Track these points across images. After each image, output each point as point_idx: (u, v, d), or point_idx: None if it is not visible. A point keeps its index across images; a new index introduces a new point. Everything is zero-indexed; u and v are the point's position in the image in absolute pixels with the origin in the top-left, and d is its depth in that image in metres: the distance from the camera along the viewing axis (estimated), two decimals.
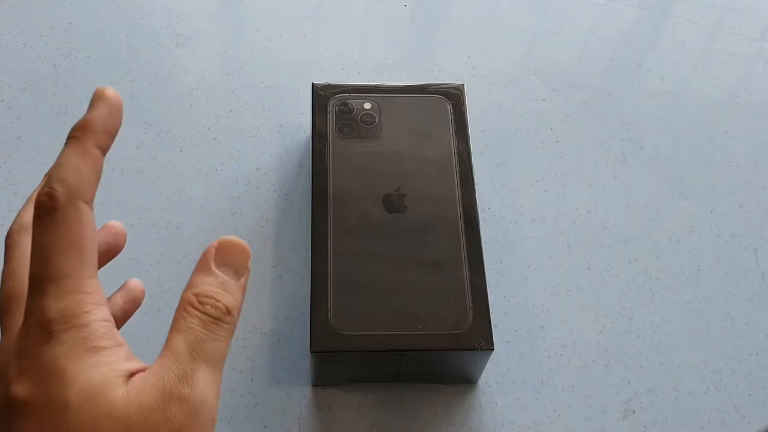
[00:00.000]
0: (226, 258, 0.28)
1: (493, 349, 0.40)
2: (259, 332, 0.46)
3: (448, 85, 0.51)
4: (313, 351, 0.39)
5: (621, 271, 0.51)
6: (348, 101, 0.49)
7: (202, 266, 0.28)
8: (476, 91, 0.59)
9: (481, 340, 0.40)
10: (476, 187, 0.46)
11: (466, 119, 0.49)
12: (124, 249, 0.49)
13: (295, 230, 0.51)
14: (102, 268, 0.49)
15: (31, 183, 0.52)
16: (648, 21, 0.68)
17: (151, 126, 0.56)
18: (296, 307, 0.48)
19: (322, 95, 0.50)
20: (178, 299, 0.49)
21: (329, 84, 0.50)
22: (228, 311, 0.27)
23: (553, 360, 0.47)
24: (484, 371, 0.44)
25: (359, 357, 0.40)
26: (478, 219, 0.45)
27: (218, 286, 0.27)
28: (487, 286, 0.42)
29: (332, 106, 0.49)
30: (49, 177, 0.25)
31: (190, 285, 0.27)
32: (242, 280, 0.28)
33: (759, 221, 0.54)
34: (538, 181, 0.55)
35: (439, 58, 0.63)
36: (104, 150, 0.28)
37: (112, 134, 0.29)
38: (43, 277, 0.24)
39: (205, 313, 0.26)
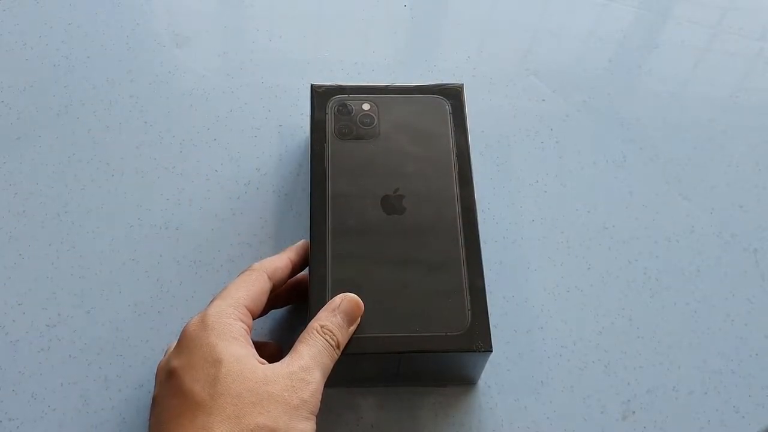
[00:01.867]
0: (347, 308, 0.39)
1: (492, 351, 0.40)
2: (258, 334, 0.46)
3: (448, 85, 0.50)
4: None
5: (621, 271, 0.51)
6: (347, 102, 0.49)
7: (329, 308, 0.39)
8: (476, 91, 0.59)
9: (479, 341, 0.40)
10: (476, 188, 0.46)
11: (465, 119, 0.49)
12: (123, 249, 0.50)
13: (295, 231, 0.51)
14: (101, 269, 0.50)
15: (31, 183, 0.52)
16: (648, 21, 0.68)
17: (151, 126, 0.56)
18: (296, 308, 0.48)
19: (321, 96, 0.49)
20: (178, 300, 0.49)
21: (328, 85, 0.50)
22: (338, 345, 0.38)
23: (553, 360, 0.47)
24: (484, 372, 0.44)
25: (358, 359, 0.40)
26: (477, 220, 0.44)
27: (337, 326, 0.38)
28: (486, 287, 0.42)
29: (331, 107, 0.48)
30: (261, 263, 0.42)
31: (318, 318, 0.39)
32: (351, 328, 0.39)
33: (759, 221, 0.54)
34: (538, 181, 0.55)
35: (438, 58, 0.63)
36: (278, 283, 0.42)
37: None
38: (218, 295, 0.40)
39: (325, 340, 0.37)
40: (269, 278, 0.41)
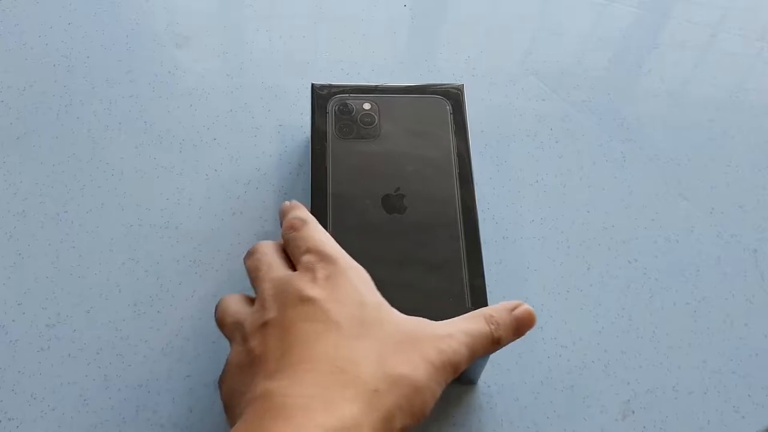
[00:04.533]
0: (521, 316, 0.38)
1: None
2: None
3: (448, 86, 0.50)
4: None
5: (621, 272, 0.51)
6: (348, 101, 0.49)
7: (505, 306, 0.38)
8: (476, 91, 0.59)
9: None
10: (476, 187, 0.46)
11: (465, 119, 0.49)
12: (123, 249, 0.50)
13: None
14: (101, 269, 0.50)
15: (31, 183, 0.52)
16: (648, 21, 0.68)
17: (151, 126, 0.56)
18: None
19: (321, 95, 0.49)
20: (177, 300, 0.49)
21: (329, 84, 0.50)
22: (499, 341, 0.37)
23: (553, 360, 0.47)
24: (484, 372, 0.44)
25: None
26: (477, 219, 0.44)
27: (506, 323, 0.37)
28: (487, 287, 0.42)
29: (332, 107, 0.49)
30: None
31: (491, 308, 0.37)
32: (515, 337, 0.37)
33: (759, 221, 0.54)
34: (537, 181, 0.55)
35: (438, 59, 0.63)
36: None
37: None
38: (313, 241, 0.39)
39: (488, 327, 0.36)
40: None
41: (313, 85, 0.50)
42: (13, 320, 0.46)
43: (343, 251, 0.38)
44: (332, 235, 0.42)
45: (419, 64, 0.62)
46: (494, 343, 0.36)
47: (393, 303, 0.40)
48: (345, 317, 0.33)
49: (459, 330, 0.35)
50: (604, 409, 0.45)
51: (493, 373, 0.46)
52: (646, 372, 0.47)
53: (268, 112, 0.58)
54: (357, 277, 0.36)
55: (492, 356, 0.42)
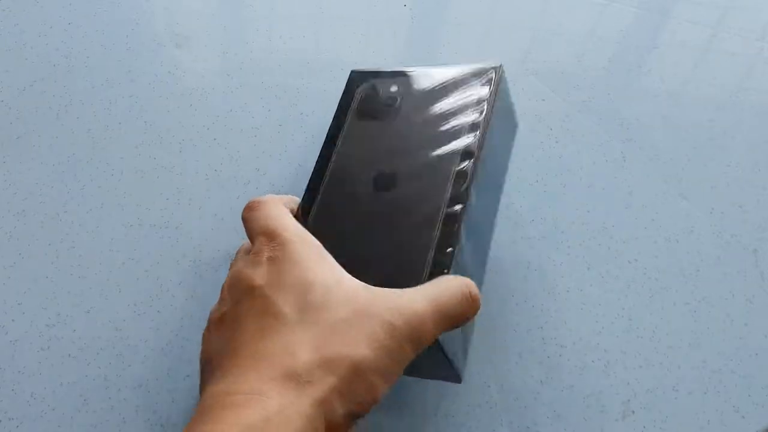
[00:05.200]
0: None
1: (438, 344, 0.35)
2: None
3: (485, 69, 0.45)
4: None
5: (621, 271, 0.51)
6: (376, 84, 0.46)
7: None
8: None
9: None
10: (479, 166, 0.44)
11: (493, 99, 0.44)
12: (123, 249, 0.50)
13: None
14: (101, 268, 0.50)
15: (31, 183, 0.52)
16: (648, 21, 0.68)
17: (151, 126, 0.56)
18: None
19: (354, 80, 0.46)
20: (178, 300, 0.49)
21: (367, 70, 0.47)
22: (477, 300, 0.34)
23: (553, 360, 0.47)
24: (484, 371, 0.44)
25: None
26: (468, 205, 0.40)
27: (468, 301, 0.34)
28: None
29: (360, 89, 0.46)
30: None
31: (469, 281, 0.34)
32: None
33: (759, 221, 0.54)
34: (537, 181, 0.55)
35: (438, 59, 0.63)
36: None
37: None
38: (267, 211, 0.38)
39: (461, 289, 0.33)
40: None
41: (352, 71, 0.47)
42: (13, 320, 0.46)
43: (293, 224, 0.36)
44: (316, 210, 0.40)
45: (419, 64, 0.62)
46: (473, 300, 0.33)
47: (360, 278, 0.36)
48: (289, 304, 0.32)
49: (422, 296, 0.32)
50: (604, 409, 0.45)
51: (492, 373, 0.46)
52: (646, 372, 0.47)
53: (268, 112, 0.57)
54: (305, 253, 0.34)
55: (492, 356, 0.41)
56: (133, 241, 0.50)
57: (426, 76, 0.46)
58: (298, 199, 0.41)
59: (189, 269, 0.49)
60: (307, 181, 0.42)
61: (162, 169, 0.54)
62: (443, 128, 0.43)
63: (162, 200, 0.52)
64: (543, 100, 0.60)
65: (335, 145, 0.43)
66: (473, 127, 0.43)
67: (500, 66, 0.45)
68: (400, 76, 0.46)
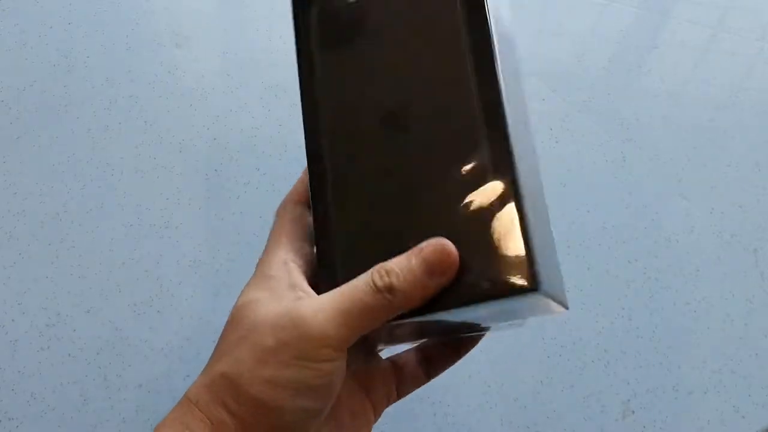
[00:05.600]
0: (429, 255, 0.29)
1: (537, 289, 0.30)
2: None
3: None
4: None
5: (621, 271, 0.51)
6: None
7: (410, 251, 0.30)
8: None
9: (518, 277, 0.30)
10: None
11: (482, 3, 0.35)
12: (123, 249, 0.50)
13: None
14: (101, 268, 0.50)
15: (31, 183, 0.52)
16: (648, 21, 0.68)
17: (151, 126, 0.56)
18: None
19: None
20: (177, 300, 0.49)
21: None
22: (390, 288, 0.29)
23: (553, 360, 0.47)
24: (484, 372, 0.44)
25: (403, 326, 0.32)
26: (506, 121, 0.32)
27: (402, 269, 0.29)
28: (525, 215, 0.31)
29: (315, 6, 0.38)
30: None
31: (393, 260, 0.30)
32: (430, 282, 0.29)
33: (759, 221, 0.54)
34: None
35: None
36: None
37: None
38: (266, 248, 0.34)
39: (372, 281, 0.29)
40: (296, 202, 0.36)
41: None
42: (13, 320, 0.46)
43: (270, 237, 0.34)
44: (331, 176, 0.35)
45: None
46: (387, 292, 0.29)
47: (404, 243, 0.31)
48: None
49: (323, 298, 0.30)
50: (604, 409, 0.45)
51: (492, 373, 0.46)
52: (646, 372, 0.47)
53: (268, 112, 0.57)
54: (260, 278, 0.32)
55: (491, 356, 0.42)
56: (132, 240, 0.50)
57: None
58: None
59: (189, 269, 0.49)
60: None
61: (162, 169, 0.54)
62: (433, 39, 0.35)
63: (162, 200, 0.52)
64: (543, 100, 0.60)
65: (312, 88, 0.36)
66: (471, 27, 0.35)
67: None
68: None
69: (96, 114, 0.56)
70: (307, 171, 0.35)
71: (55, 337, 0.46)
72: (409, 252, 0.30)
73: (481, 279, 0.30)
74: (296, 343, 0.28)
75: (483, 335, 0.35)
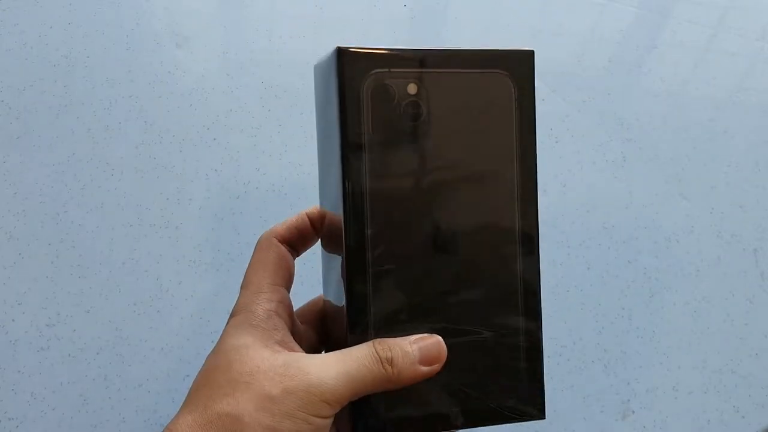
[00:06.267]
0: (426, 346, 0.33)
1: (544, 417, 0.34)
2: None
3: (512, 53, 0.36)
4: None
5: (621, 271, 0.51)
6: (388, 82, 0.35)
7: (406, 338, 0.33)
8: None
9: (531, 407, 0.35)
10: None
11: (533, 107, 0.36)
12: (123, 248, 0.50)
13: None
14: (101, 268, 0.50)
15: (31, 183, 0.52)
16: (648, 21, 0.68)
17: (151, 126, 0.56)
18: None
19: (352, 66, 0.34)
20: (177, 300, 0.49)
21: (362, 50, 0.34)
22: (391, 362, 0.32)
23: (553, 360, 0.47)
24: None
25: None
26: (538, 264, 0.36)
27: (401, 349, 0.32)
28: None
29: (366, 88, 0.34)
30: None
31: (392, 340, 0.33)
32: (421, 369, 0.32)
33: (759, 221, 0.54)
34: (537, 180, 0.55)
35: None
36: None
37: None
38: (242, 284, 0.35)
39: (374, 350, 0.32)
40: (281, 240, 0.37)
41: (339, 48, 0.33)
42: (14, 320, 0.46)
43: (252, 275, 0.35)
44: (372, 288, 0.34)
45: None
46: (387, 364, 0.32)
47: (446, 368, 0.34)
48: (199, 373, 0.33)
49: (326, 356, 0.31)
50: (604, 409, 0.45)
51: None
52: (647, 372, 0.47)
53: (268, 112, 0.58)
54: (240, 322, 0.33)
55: None
56: (132, 240, 0.50)
57: (444, 66, 0.35)
58: (299, 216, 0.38)
59: (188, 269, 0.49)
60: (305, 183, 0.39)
61: (162, 168, 0.54)
62: (487, 151, 0.36)
63: (162, 200, 0.52)
64: (543, 100, 0.60)
65: (363, 187, 0.34)
66: (522, 143, 0.36)
67: (532, 52, 0.36)
68: (414, 65, 0.35)
69: (96, 114, 0.56)
70: (345, 252, 0.34)
71: (55, 337, 0.46)
72: (410, 337, 0.33)
73: (505, 405, 0.34)
74: (302, 395, 0.29)
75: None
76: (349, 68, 0.34)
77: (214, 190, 0.53)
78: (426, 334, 0.33)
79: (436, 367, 0.33)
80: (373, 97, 0.34)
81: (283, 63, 0.61)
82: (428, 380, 0.33)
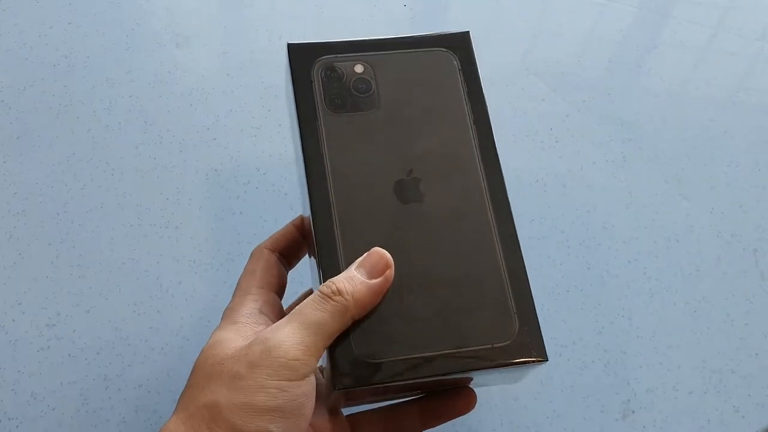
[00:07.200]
0: (365, 261, 0.33)
1: (547, 360, 0.34)
2: None
3: (452, 35, 0.41)
4: (339, 389, 0.32)
5: (621, 271, 0.51)
6: (335, 65, 0.39)
7: (350, 266, 0.33)
8: None
9: (531, 350, 0.34)
10: None
11: (477, 75, 0.40)
12: (123, 248, 0.50)
13: None
14: (101, 268, 0.50)
15: (31, 183, 0.52)
16: (648, 21, 0.68)
17: (151, 126, 0.56)
18: None
19: (300, 57, 0.39)
20: (177, 300, 0.49)
21: (309, 44, 0.39)
22: (338, 291, 0.32)
23: (553, 360, 0.47)
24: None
25: (389, 387, 0.34)
26: (508, 201, 0.38)
27: (343, 276, 0.32)
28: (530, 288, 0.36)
29: (317, 72, 0.39)
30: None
31: (337, 278, 0.33)
32: (373, 281, 0.32)
33: (759, 221, 0.54)
34: (537, 181, 0.55)
35: None
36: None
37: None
38: (233, 292, 0.37)
39: (319, 292, 0.32)
40: (271, 250, 0.39)
41: (289, 44, 0.39)
42: (13, 320, 0.46)
43: (241, 283, 0.37)
44: (341, 237, 0.35)
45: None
46: (340, 296, 0.31)
47: (423, 313, 0.34)
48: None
49: (285, 322, 0.31)
50: (604, 409, 0.45)
51: None
52: (646, 372, 0.47)
53: (268, 112, 0.57)
54: (226, 321, 0.35)
55: None
56: (132, 240, 0.50)
57: (388, 49, 0.40)
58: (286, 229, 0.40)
59: (188, 269, 0.49)
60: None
61: (162, 169, 0.54)
62: (438, 113, 0.39)
63: (162, 200, 0.52)
64: (543, 100, 0.60)
65: (322, 152, 0.37)
66: (473, 105, 0.39)
67: (468, 32, 0.41)
68: (359, 49, 0.40)
69: (96, 114, 0.56)
70: (313, 232, 0.36)
71: (55, 337, 0.46)
72: (351, 265, 0.33)
73: (502, 348, 0.34)
74: (266, 363, 0.30)
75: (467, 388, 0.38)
76: (299, 57, 0.39)
77: (213, 190, 0.53)
78: (365, 254, 0.33)
79: (389, 273, 0.33)
80: (323, 78, 0.39)
81: (283, 63, 0.61)
82: (409, 319, 0.33)
